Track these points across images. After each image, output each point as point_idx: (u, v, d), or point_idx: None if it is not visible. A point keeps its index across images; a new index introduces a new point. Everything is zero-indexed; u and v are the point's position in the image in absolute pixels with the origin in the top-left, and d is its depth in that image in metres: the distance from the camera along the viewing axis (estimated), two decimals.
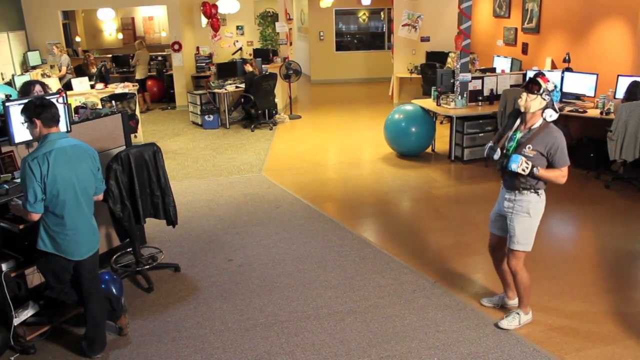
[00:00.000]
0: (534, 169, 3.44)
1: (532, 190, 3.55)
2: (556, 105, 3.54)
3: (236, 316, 4.07)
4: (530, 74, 7.73)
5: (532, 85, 3.46)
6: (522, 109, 3.52)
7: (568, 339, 3.67)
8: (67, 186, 3.29)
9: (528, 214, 3.59)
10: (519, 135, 3.56)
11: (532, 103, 3.47)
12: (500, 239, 3.87)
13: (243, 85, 10.41)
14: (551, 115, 3.49)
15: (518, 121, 3.61)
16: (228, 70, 11.06)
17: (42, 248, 3.35)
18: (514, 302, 4.01)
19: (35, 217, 3.27)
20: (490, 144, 3.68)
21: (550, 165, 3.52)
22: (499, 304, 4.06)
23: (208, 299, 4.33)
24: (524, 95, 3.49)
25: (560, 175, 3.51)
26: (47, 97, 3.50)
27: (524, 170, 3.43)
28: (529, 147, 3.48)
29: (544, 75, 3.52)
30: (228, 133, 10.03)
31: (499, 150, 3.62)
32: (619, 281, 4.44)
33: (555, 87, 3.50)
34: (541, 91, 3.44)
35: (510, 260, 3.72)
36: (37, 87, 4.59)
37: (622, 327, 3.79)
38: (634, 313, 3.98)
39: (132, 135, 6.70)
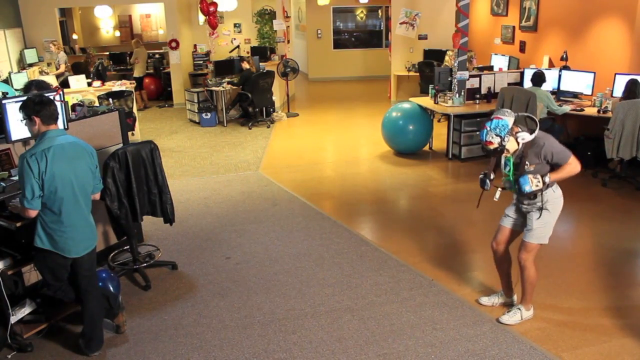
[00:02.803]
0: (545, 178, 3.49)
1: (546, 189, 3.58)
2: (528, 123, 3.57)
3: (234, 314, 4.07)
4: (528, 73, 7.80)
5: (488, 144, 3.48)
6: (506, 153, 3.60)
7: (565, 336, 3.68)
8: (65, 183, 3.29)
9: (547, 209, 3.63)
10: (512, 159, 3.61)
11: (507, 147, 3.51)
12: (510, 232, 3.87)
13: (236, 83, 10.39)
14: (524, 138, 3.50)
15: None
16: (225, 68, 11.04)
17: (40, 245, 3.35)
18: (511, 300, 4.02)
19: (33, 213, 3.27)
20: (481, 176, 3.77)
21: (555, 166, 3.56)
22: (497, 303, 4.07)
23: (205, 296, 4.33)
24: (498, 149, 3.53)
25: (570, 169, 3.52)
26: (46, 95, 3.49)
27: (537, 185, 3.49)
28: (527, 164, 3.54)
29: (484, 123, 3.54)
30: (225, 131, 10.02)
31: (488, 182, 3.72)
32: (616, 279, 4.45)
33: (498, 123, 3.44)
34: (500, 139, 3.43)
35: (521, 252, 3.74)
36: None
37: (619, 325, 3.80)
38: (631, 310, 3.99)
39: (130, 133, 6.67)
